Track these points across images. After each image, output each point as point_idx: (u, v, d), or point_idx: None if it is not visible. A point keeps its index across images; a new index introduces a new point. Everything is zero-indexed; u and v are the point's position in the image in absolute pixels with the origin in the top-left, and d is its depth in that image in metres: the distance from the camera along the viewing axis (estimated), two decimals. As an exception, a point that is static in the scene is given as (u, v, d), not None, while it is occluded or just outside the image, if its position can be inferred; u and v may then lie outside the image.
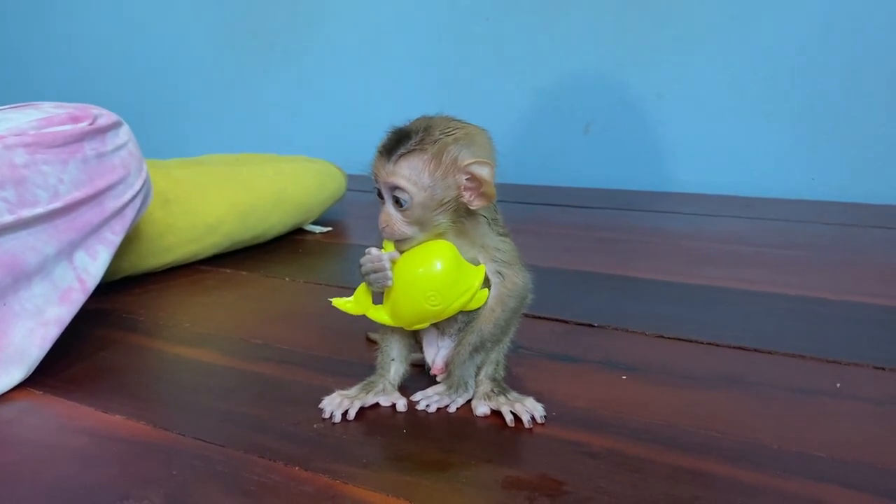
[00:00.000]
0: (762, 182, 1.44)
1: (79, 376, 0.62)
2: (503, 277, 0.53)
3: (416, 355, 0.57)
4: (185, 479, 0.45)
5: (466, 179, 0.49)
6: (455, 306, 0.51)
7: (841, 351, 0.64)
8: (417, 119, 0.52)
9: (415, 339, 0.57)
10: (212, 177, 1.03)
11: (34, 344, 0.61)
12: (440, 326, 0.55)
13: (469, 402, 0.54)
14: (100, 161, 0.68)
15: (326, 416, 0.52)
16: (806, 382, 0.58)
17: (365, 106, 1.78)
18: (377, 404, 0.54)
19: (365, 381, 0.55)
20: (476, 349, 0.53)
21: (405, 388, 0.56)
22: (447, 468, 0.46)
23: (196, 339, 0.71)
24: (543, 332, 0.70)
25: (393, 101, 1.72)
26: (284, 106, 1.94)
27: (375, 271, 0.52)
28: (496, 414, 0.53)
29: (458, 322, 0.54)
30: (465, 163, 0.49)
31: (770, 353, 0.64)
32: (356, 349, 0.66)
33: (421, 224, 0.51)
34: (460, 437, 0.50)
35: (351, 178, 1.28)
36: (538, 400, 0.53)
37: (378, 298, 0.54)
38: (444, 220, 0.51)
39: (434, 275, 0.51)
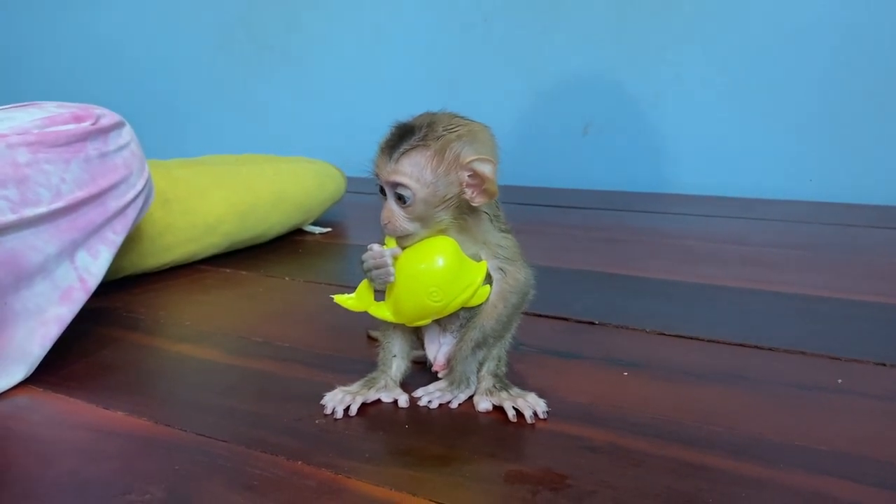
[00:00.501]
0: (760, 183, 1.44)
1: (79, 374, 0.62)
2: (505, 274, 0.53)
3: (418, 352, 0.57)
4: (186, 474, 0.45)
5: (469, 176, 0.49)
6: (457, 302, 0.52)
7: (842, 348, 0.64)
8: (420, 115, 0.52)
9: (416, 335, 0.57)
10: (212, 177, 1.03)
11: (35, 343, 0.61)
12: (442, 323, 0.55)
13: (471, 398, 0.54)
14: (102, 161, 0.68)
15: (328, 411, 0.52)
16: (807, 378, 0.58)
17: (363, 107, 1.78)
18: (379, 400, 0.54)
19: (366, 378, 0.56)
20: (478, 345, 0.53)
21: (407, 385, 0.56)
22: (450, 463, 0.46)
23: (197, 336, 0.71)
24: (544, 329, 0.70)
25: (391, 103, 1.72)
26: (283, 107, 1.94)
27: (377, 267, 0.52)
28: (498, 409, 0.53)
29: (459, 318, 0.54)
30: (468, 159, 0.49)
31: (771, 349, 0.64)
32: (357, 347, 0.66)
33: (423, 220, 0.51)
34: (463, 432, 0.50)
35: (350, 180, 1.28)
36: (540, 395, 0.53)
37: (380, 295, 0.54)
38: (445, 216, 0.51)
39: (436, 271, 0.51)
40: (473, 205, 0.51)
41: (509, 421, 0.51)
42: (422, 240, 0.52)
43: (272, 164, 1.15)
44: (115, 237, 0.69)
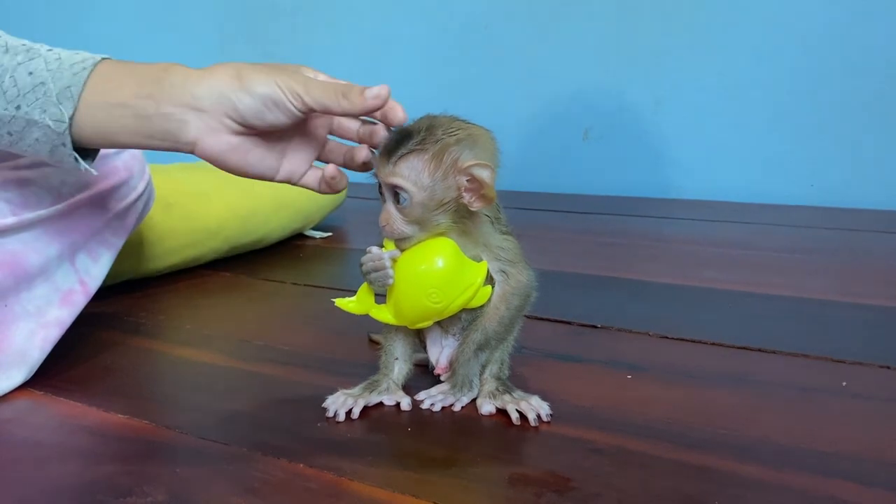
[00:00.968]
0: (761, 188, 1.44)
1: (80, 377, 0.61)
2: (507, 276, 0.53)
3: (420, 355, 0.57)
4: (187, 477, 0.45)
5: (467, 181, 0.49)
6: (457, 304, 0.51)
7: (845, 351, 0.63)
8: (421, 118, 0.51)
9: (418, 338, 0.56)
10: (213, 181, 1.02)
11: (35, 345, 0.60)
12: (443, 325, 0.55)
13: (474, 400, 0.54)
14: (103, 163, 0.68)
15: (330, 414, 0.52)
16: (811, 381, 0.58)
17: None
18: (381, 403, 0.54)
19: (368, 381, 0.55)
20: (480, 347, 0.53)
21: (409, 388, 0.56)
22: (453, 465, 0.46)
23: (198, 340, 0.71)
24: (546, 333, 0.70)
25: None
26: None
27: (376, 270, 0.51)
28: (501, 412, 0.52)
29: (461, 321, 0.54)
30: (466, 164, 0.48)
31: (774, 352, 0.64)
32: (359, 350, 0.66)
33: (421, 223, 0.50)
34: (466, 435, 0.50)
35: (351, 185, 1.27)
36: (543, 399, 0.53)
37: (381, 299, 0.54)
38: (444, 219, 0.50)
39: (435, 272, 0.50)
40: (472, 209, 0.50)
41: (512, 424, 0.51)
42: (421, 242, 0.52)
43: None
44: (115, 240, 0.69)
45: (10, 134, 0.50)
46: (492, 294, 0.53)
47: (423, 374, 0.58)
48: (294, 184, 0.55)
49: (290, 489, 0.43)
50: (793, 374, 0.60)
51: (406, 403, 0.54)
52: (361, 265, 0.52)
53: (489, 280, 0.53)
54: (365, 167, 0.54)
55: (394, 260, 0.52)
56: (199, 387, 0.60)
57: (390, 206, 0.51)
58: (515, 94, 1.63)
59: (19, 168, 0.60)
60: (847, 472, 0.44)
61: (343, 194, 1.25)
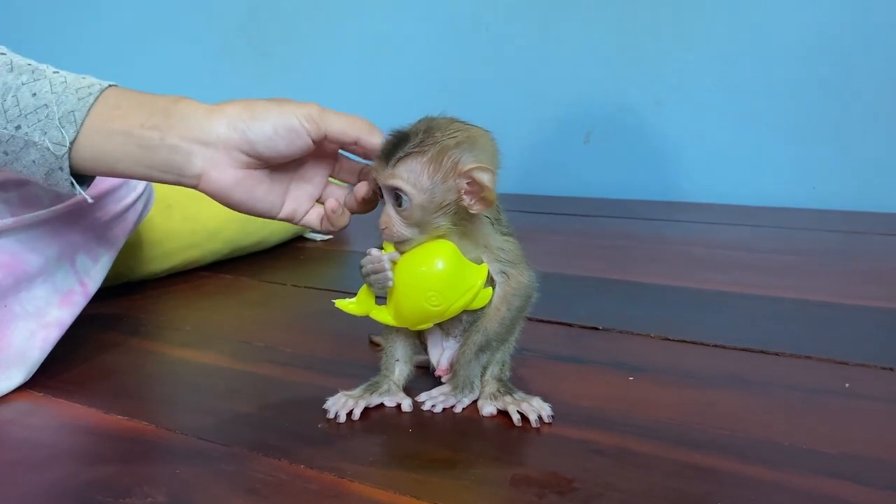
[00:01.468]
0: (763, 191, 1.44)
1: (80, 378, 0.61)
2: (508, 277, 0.53)
3: (421, 357, 0.57)
4: (188, 477, 0.45)
5: (467, 184, 0.49)
6: (457, 306, 0.51)
7: (847, 352, 0.63)
8: (420, 120, 0.51)
9: (419, 339, 0.56)
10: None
11: (35, 346, 0.60)
12: (444, 327, 0.54)
13: (475, 402, 0.54)
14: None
15: (331, 416, 0.52)
16: (814, 382, 0.58)
17: (363, 116, 1.78)
18: (382, 405, 0.54)
19: (369, 382, 0.55)
20: (481, 349, 0.53)
21: (410, 390, 0.56)
22: (455, 466, 0.45)
23: (198, 342, 0.70)
24: (547, 335, 0.70)
25: (391, 112, 1.70)
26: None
27: (376, 272, 0.51)
28: (503, 414, 0.52)
29: (462, 322, 0.54)
30: (466, 167, 0.48)
31: (777, 354, 0.64)
32: (359, 352, 0.66)
33: (420, 226, 0.50)
34: (467, 436, 0.50)
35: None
36: (544, 400, 0.52)
37: (381, 300, 0.54)
38: (444, 222, 0.50)
39: (434, 274, 0.50)
40: (472, 212, 0.50)
41: (514, 425, 0.51)
42: (421, 244, 0.51)
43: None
44: (115, 241, 0.69)
45: (5, 153, 0.49)
46: (492, 295, 0.53)
47: (424, 376, 0.58)
48: (296, 222, 0.55)
49: (291, 490, 0.43)
50: (795, 376, 0.59)
51: (407, 405, 0.54)
52: (361, 267, 0.52)
53: (490, 282, 0.52)
54: (365, 204, 0.54)
55: (393, 262, 0.51)
56: (200, 388, 0.60)
57: (390, 209, 0.51)
58: (516, 96, 1.63)
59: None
60: (849, 474, 0.44)
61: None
